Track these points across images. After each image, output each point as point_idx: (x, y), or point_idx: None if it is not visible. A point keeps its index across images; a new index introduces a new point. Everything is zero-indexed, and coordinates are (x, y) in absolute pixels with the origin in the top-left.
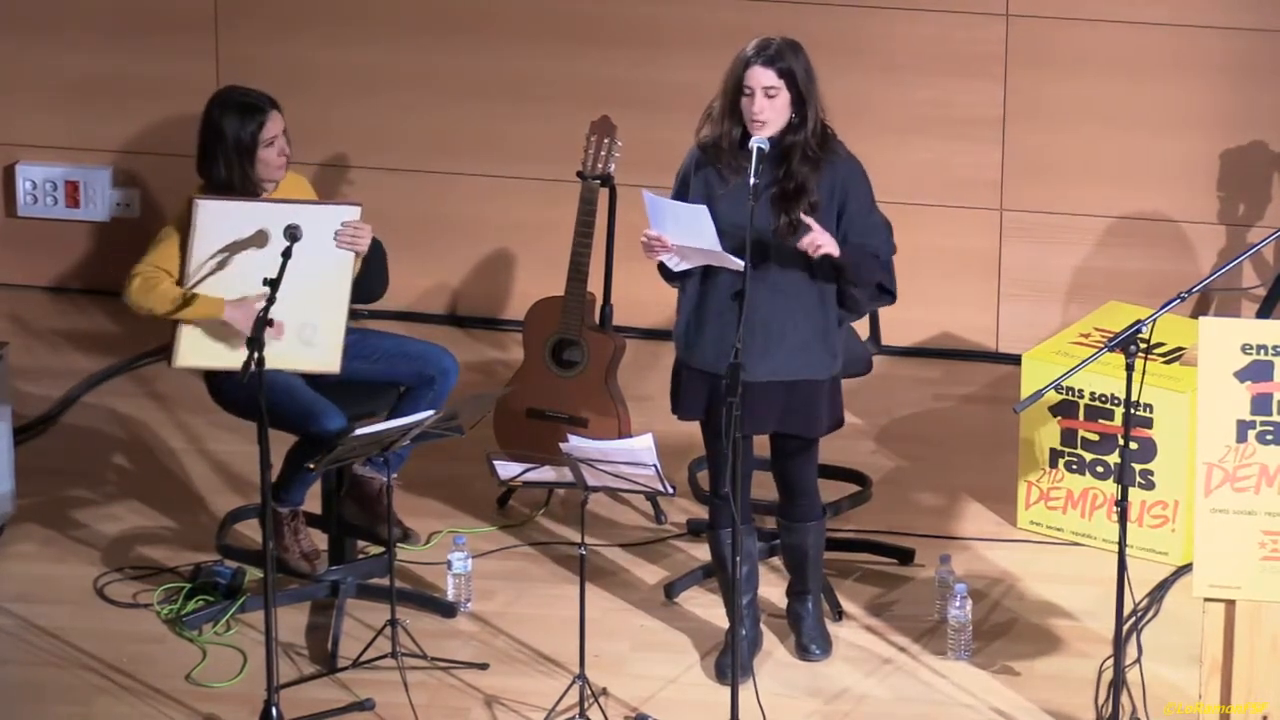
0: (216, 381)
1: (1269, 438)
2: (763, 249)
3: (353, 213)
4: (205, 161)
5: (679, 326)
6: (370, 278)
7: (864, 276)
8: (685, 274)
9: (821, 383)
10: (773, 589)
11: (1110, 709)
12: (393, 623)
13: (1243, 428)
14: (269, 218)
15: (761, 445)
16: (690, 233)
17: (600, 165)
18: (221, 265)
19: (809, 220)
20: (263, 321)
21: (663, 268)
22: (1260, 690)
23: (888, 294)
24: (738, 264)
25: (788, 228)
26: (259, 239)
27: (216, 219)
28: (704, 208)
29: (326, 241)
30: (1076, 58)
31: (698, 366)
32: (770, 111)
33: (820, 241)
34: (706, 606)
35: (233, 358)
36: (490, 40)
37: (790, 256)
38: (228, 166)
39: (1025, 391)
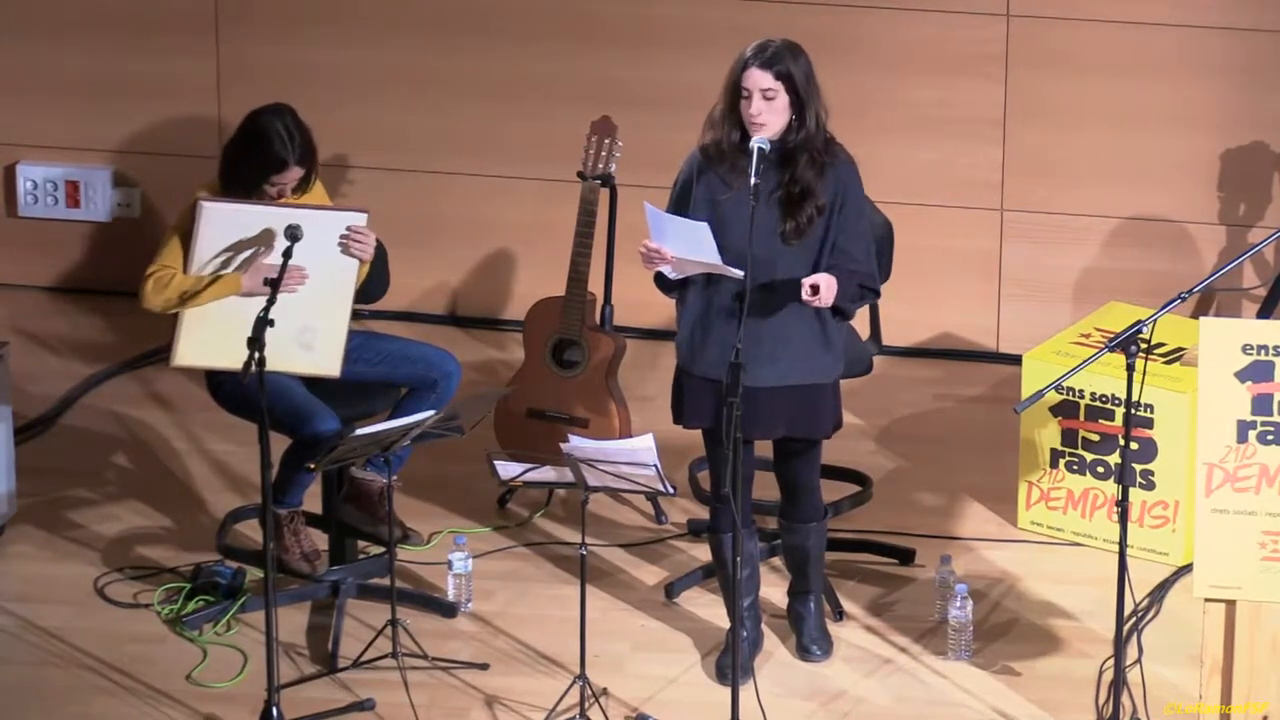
0: (216, 380)
1: (1269, 438)
2: (769, 254)
3: (358, 218)
4: (228, 159)
5: (681, 334)
6: (371, 279)
7: (846, 299)
8: (684, 283)
9: (826, 385)
10: (774, 589)
11: (1111, 709)
12: (393, 623)
13: (1243, 428)
14: (273, 221)
15: (764, 446)
16: (691, 246)
17: (600, 165)
18: (225, 265)
19: (816, 279)
20: (263, 322)
21: (660, 277)
22: (1260, 690)
23: (872, 292)
24: (738, 274)
25: (795, 231)
26: (265, 238)
27: (221, 221)
28: (705, 224)
29: (330, 247)
30: (1076, 58)
31: (703, 374)
32: (768, 114)
33: (820, 298)
34: (706, 606)
35: (231, 357)
36: (490, 40)
37: (794, 261)
38: (239, 176)
39: (1026, 392)
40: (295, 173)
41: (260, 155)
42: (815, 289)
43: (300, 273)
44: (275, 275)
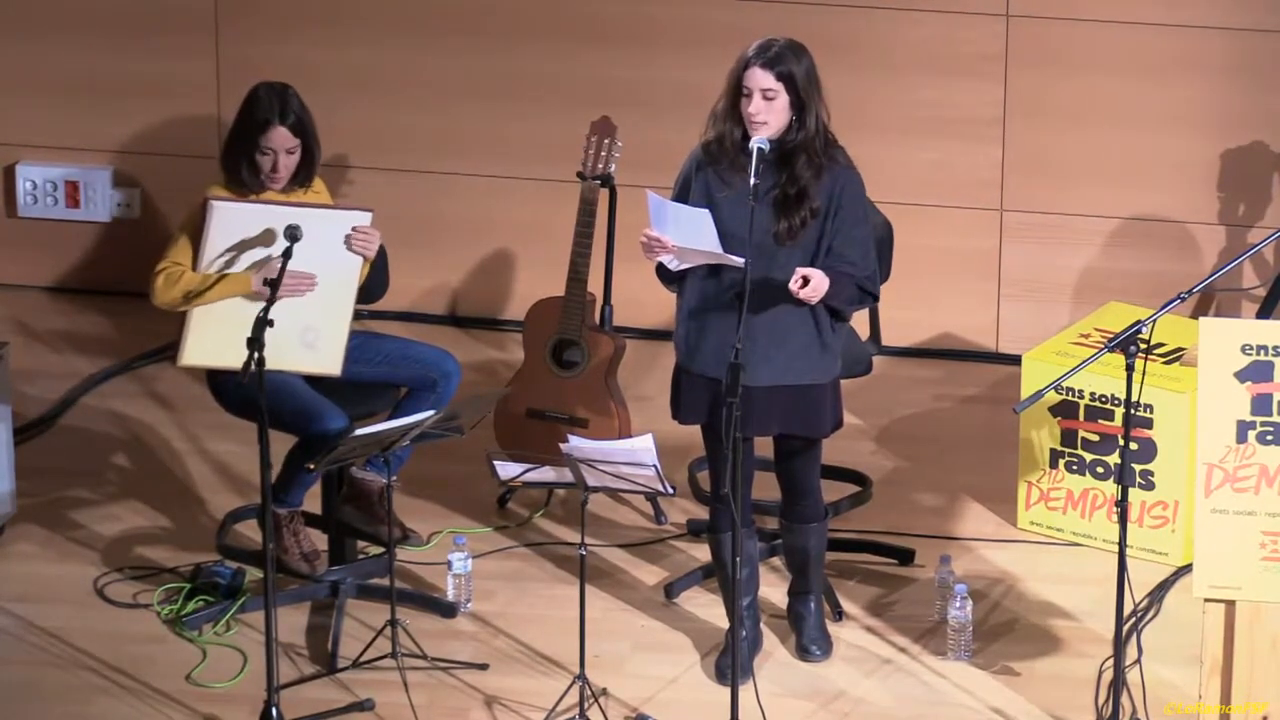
0: (219, 383)
1: (1269, 438)
2: (764, 253)
3: (364, 218)
4: (225, 142)
5: (679, 332)
6: (371, 279)
7: (841, 300)
8: (683, 278)
9: (823, 385)
10: (773, 589)
11: (1110, 709)
12: (393, 623)
13: (1243, 428)
14: (279, 220)
15: (764, 446)
16: (692, 235)
17: (600, 165)
18: (231, 264)
19: (808, 272)
20: (263, 322)
21: (661, 269)
22: (1260, 690)
23: (870, 295)
24: (738, 261)
25: (788, 233)
26: (266, 238)
27: (229, 220)
28: (706, 211)
29: (334, 246)
30: (1076, 58)
31: (700, 372)
32: (767, 114)
33: (810, 291)
34: (706, 606)
35: (238, 357)
36: (490, 40)
37: (789, 261)
38: (234, 153)
39: (1025, 392)
40: (282, 134)
41: (247, 121)
42: (805, 281)
43: (310, 280)
44: (262, 318)
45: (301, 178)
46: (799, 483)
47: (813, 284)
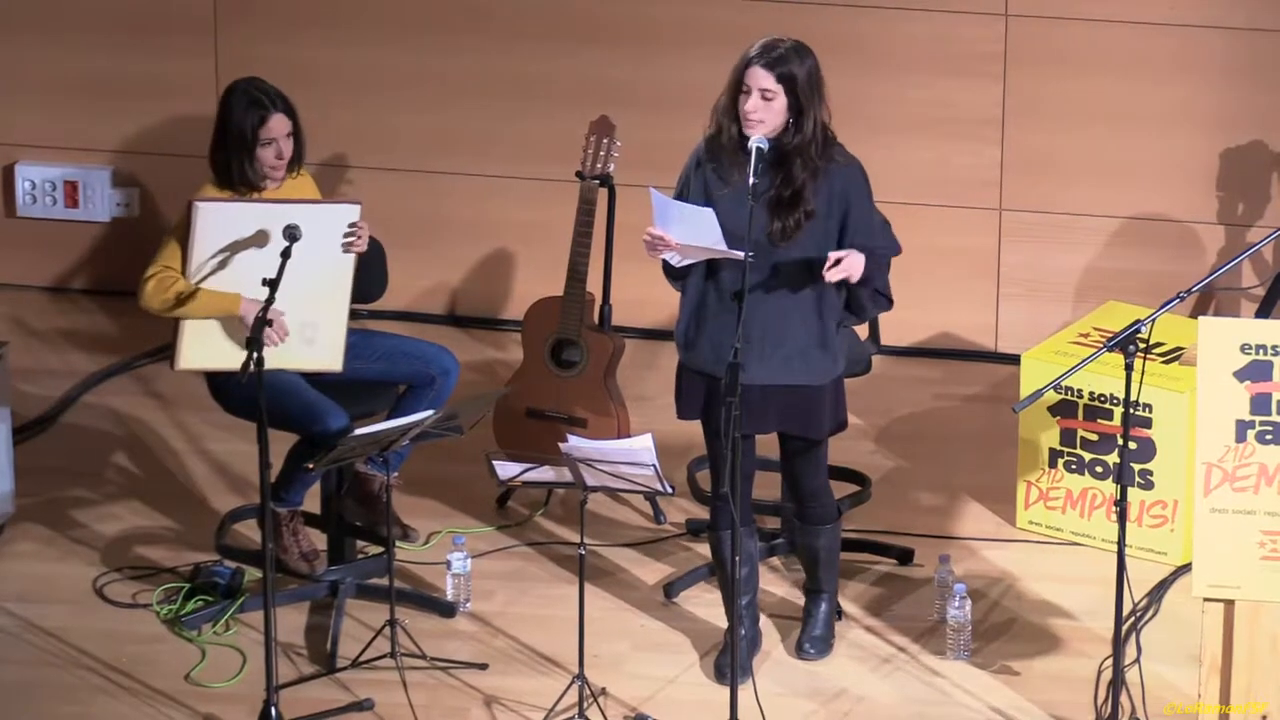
0: (219, 383)
1: (1268, 437)
2: (760, 253)
3: (352, 212)
4: (214, 146)
5: (679, 327)
6: (369, 278)
7: (880, 280)
8: (686, 272)
9: (821, 386)
10: (774, 588)
11: (1110, 709)
12: (392, 623)
13: (1242, 427)
14: (268, 218)
15: (768, 446)
16: (695, 232)
17: (599, 165)
18: (223, 265)
19: (837, 254)
20: (262, 321)
21: (667, 266)
22: (1259, 690)
23: (885, 299)
24: (739, 254)
25: (782, 234)
26: (260, 239)
27: (216, 221)
28: (711, 211)
29: (326, 240)
30: (1076, 58)
31: (695, 368)
32: (764, 113)
33: (848, 271)
34: (706, 606)
35: (235, 359)
36: (490, 40)
37: (787, 261)
38: (229, 155)
39: (1025, 391)
40: (280, 120)
41: (237, 119)
42: (838, 262)
43: (283, 328)
44: (261, 317)
45: (292, 164)
46: (803, 484)
47: (845, 262)
